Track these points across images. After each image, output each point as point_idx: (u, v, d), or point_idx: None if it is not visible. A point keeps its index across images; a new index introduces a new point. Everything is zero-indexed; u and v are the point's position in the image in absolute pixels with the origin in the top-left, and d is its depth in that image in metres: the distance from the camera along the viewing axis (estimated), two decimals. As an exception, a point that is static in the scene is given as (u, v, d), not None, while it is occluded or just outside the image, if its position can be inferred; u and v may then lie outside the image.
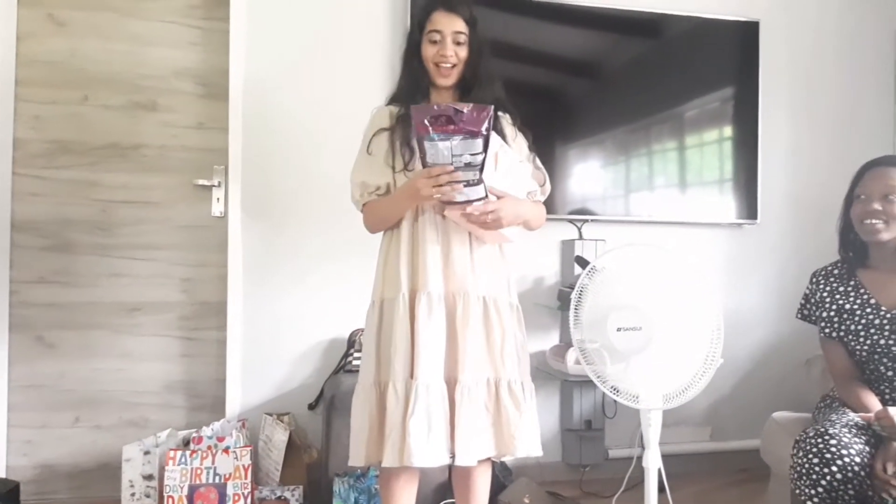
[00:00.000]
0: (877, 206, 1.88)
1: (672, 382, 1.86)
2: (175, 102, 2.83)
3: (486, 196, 1.63)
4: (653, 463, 1.92)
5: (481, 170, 1.58)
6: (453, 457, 1.67)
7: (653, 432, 1.91)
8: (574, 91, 3.10)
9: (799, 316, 2.13)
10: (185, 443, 2.50)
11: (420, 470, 1.77)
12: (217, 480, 2.35)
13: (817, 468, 1.60)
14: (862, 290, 1.95)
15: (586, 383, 2.76)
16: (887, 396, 1.88)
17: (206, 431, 2.46)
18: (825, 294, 2.02)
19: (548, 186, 1.95)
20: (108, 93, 2.78)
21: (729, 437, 3.20)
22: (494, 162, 1.66)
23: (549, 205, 2.07)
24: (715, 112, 3.22)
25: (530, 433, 1.75)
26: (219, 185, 2.83)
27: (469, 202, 1.63)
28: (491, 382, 1.73)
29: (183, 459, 2.34)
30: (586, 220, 3.06)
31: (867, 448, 1.65)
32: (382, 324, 1.75)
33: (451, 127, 1.54)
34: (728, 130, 3.24)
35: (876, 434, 1.70)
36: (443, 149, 1.55)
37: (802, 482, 1.63)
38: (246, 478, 2.37)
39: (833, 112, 3.38)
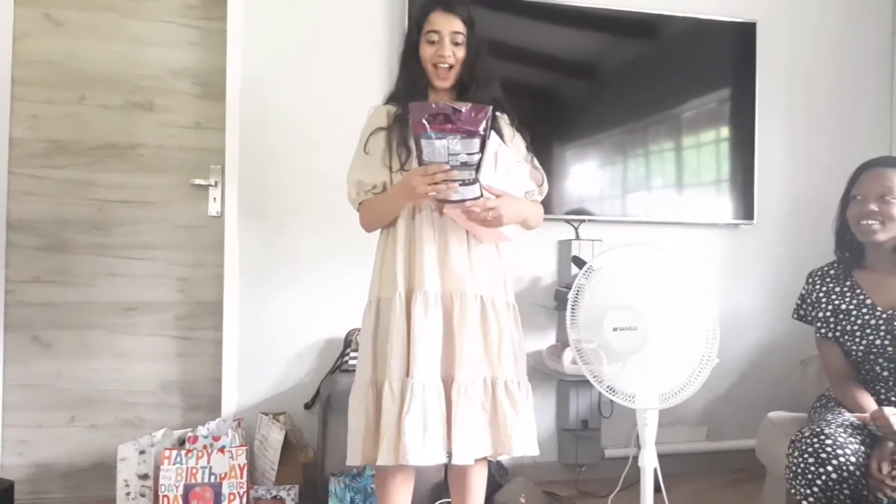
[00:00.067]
0: (873, 206, 1.89)
1: (668, 382, 1.87)
2: (172, 102, 2.82)
3: (482, 195, 1.63)
4: (649, 463, 1.92)
5: (477, 169, 1.58)
6: (450, 456, 1.67)
7: (649, 432, 1.91)
8: (571, 91, 3.10)
9: (795, 316, 2.13)
10: (181, 442, 2.50)
11: (416, 469, 1.78)
12: (212, 480, 2.35)
13: (813, 468, 1.60)
14: (858, 291, 1.96)
15: (583, 383, 2.76)
16: (883, 396, 1.88)
17: (202, 431, 2.46)
18: (821, 294, 2.02)
19: (545, 186, 1.95)
20: (106, 92, 2.77)
21: (725, 436, 3.20)
22: (494, 161, 1.66)
23: (547, 205, 2.08)
24: (712, 113, 3.23)
25: (527, 432, 1.75)
26: (215, 185, 2.83)
27: (464, 201, 1.63)
28: (488, 381, 1.73)
29: (178, 459, 2.34)
30: (583, 221, 3.06)
31: (862, 448, 1.65)
32: (379, 323, 1.75)
33: (449, 126, 1.54)
34: (725, 131, 3.24)
35: (871, 434, 1.70)
36: (439, 147, 1.55)
37: (798, 482, 1.63)
38: (241, 477, 2.36)
39: (830, 113, 3.39)
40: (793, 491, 1.65)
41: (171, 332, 2.82)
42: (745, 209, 3.22)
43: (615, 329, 1.83)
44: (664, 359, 1.84)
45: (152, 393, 2.80)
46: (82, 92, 2.76)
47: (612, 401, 1.98)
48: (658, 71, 3.15)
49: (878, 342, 1.88)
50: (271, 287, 2.81)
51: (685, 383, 1.85)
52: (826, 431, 1.64)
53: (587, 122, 3.10)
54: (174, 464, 2.33)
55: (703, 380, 1.83)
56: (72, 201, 2.75)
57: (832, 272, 2.04)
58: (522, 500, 2.48)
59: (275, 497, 2.45)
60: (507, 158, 1.72)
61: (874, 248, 1.94)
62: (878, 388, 1.91)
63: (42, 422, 2.72)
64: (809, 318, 2.07)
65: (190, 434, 2.44)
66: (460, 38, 1.78)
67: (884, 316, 1.89)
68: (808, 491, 1.61)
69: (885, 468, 1.61)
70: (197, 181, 2.81)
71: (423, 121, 1.54)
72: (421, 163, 1.60)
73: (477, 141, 1.56)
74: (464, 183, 1.60)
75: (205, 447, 2.39)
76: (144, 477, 2.43)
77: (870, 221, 1.89)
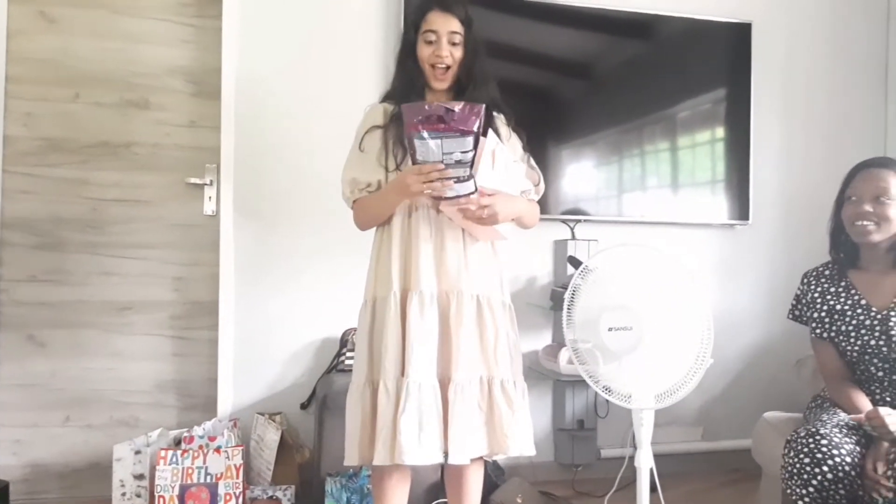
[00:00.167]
0: (868, 207, 1.89)
1: (664, 382, 1.87)
2: (167, 101, 2.81)
3: (476, 191, 1.63)
4: (645, 463, 1.93)
5: (471, 166, 1.59)
6: (446, 455, 1.67)
7: (645, 432, 1.92)
8: (567, 91, 3.10)
9: (790, 316, 2.14)
10: (177, 442, 2.49)
11: (412, 469, 1.78)
12: (208, 480, 2.34)
13: (808, 468, 1.61)
14: (853, 291, 1.96)
15: (579, 383, 2.76)
16: (878, 397, 1.89)
17: (198, 431, 2.45)
18: (816, 295, 2.03)
19: (542, 186, 1.95)
20: (100, 90, 2.76)
21: (720, 436, 3.21)
22: (492, 159, 1.66)
23: (543, 205, 2.07)
24: (707, 113, 3.23)
25: (523, 432, 1.75)
26: (211, 184, 2.82)
27: (458, 197, 1.63)
28: (484, 381, 1.73)
29: (174, 459, 2.33)
30: (579, 221, 3.06)
31: (858, 448, 1.66)
32: (375, 323, 1.75)
33: (442, 126, 1.54)
34: (720, 131, 3.25)
35: (866, 434, 1.71)
36: (433, 147, 1.56)
37: (793, 482, 1.64)
38: (237, 477, 2.36)
39: (825, 113, 3.40)
40: (788, 491, 1.65)
41: (167, 331, 2.81)
42: (741, 209, 3.23)
43: (611, 329, 1.84)
44: (660, 359, 1.85)
45: (148, 393, 2.79)
46: (76, 90, 2.74)
47: (608, 401, 1.99)
48: (654, 71, 3.15)
49: (872, 342, 1.89)
50: (267, 286, 2.81)
51: (681, 383, 1.85)
52: (822, 432, 1.64)
53: (583, 122, 3.10)
54: (170, 464, 2.32)
55: (697, 380, 1.83)
56: (66, 200, 2.73)
57: (827, 273, 2.04)
58: (519, 500, 2.48)
59: (271, 497, 2.45)
60: (504, 157, 1.72)
61: (869, 249, 1.95)
62: (873, 388, 1.91)
63: (37, 422, 2.70)
64: (804, 319, 2.08)
65: (186, 434, 2.43)
66: (458, 39, 1.78)
67: (878, 316, 1.89)
68: (804, 491, 1.61)
69: (881, 468, 1.62)
70: (192, 180, 2.80)
71: (417, 122, 1.54)
72: (415, 162, 1.61)
73: (471, 139, 1.56)
74: (458, 180, 1.60)
75: (201, 447, 2.38)
76: (140, 477, 2.42)
77: (864, 222, 1.90)
